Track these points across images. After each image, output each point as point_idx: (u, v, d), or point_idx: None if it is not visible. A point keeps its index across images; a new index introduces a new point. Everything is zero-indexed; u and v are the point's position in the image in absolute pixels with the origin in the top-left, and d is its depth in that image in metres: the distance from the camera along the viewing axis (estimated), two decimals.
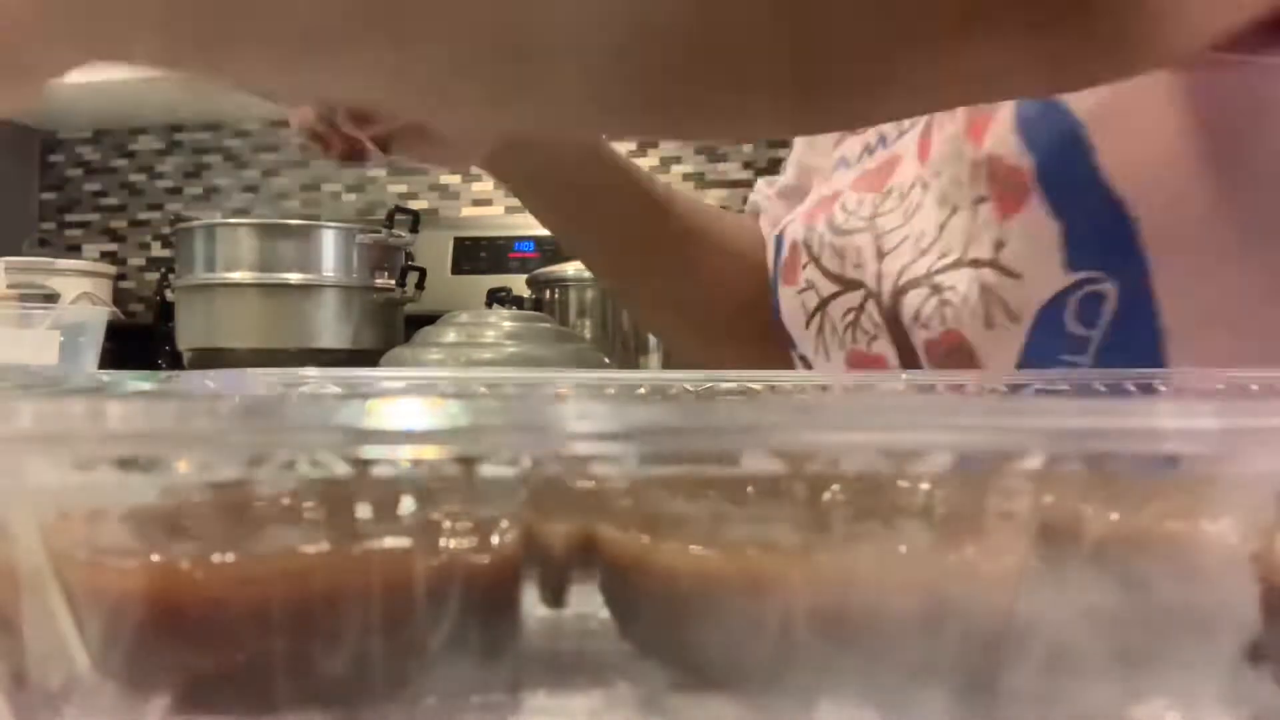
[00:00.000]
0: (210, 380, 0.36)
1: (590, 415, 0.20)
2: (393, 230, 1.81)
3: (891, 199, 0.54)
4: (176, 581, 0.21)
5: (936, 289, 0.49)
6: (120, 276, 2.32)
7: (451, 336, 1.47)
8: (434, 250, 2.04)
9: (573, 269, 1.79)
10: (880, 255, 0.53)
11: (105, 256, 2.38)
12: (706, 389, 0.40)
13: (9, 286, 1.74)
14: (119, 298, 2.28)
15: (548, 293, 1.79)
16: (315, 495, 0.23)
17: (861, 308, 0.54)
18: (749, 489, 0.26)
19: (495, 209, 2.22)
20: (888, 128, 0.58)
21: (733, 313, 0.70)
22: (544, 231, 2.29)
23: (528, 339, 1.48)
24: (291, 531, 0.22)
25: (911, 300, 0.50)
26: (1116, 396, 0.34)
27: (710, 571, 0.23)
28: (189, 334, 1.78)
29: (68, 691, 0.21)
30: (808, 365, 0.60)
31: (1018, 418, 0.21)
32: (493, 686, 0.24)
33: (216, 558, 0.21)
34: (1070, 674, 0.25)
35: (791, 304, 0.60)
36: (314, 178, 2.31)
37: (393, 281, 1.82)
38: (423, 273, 1.88)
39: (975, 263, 0.47)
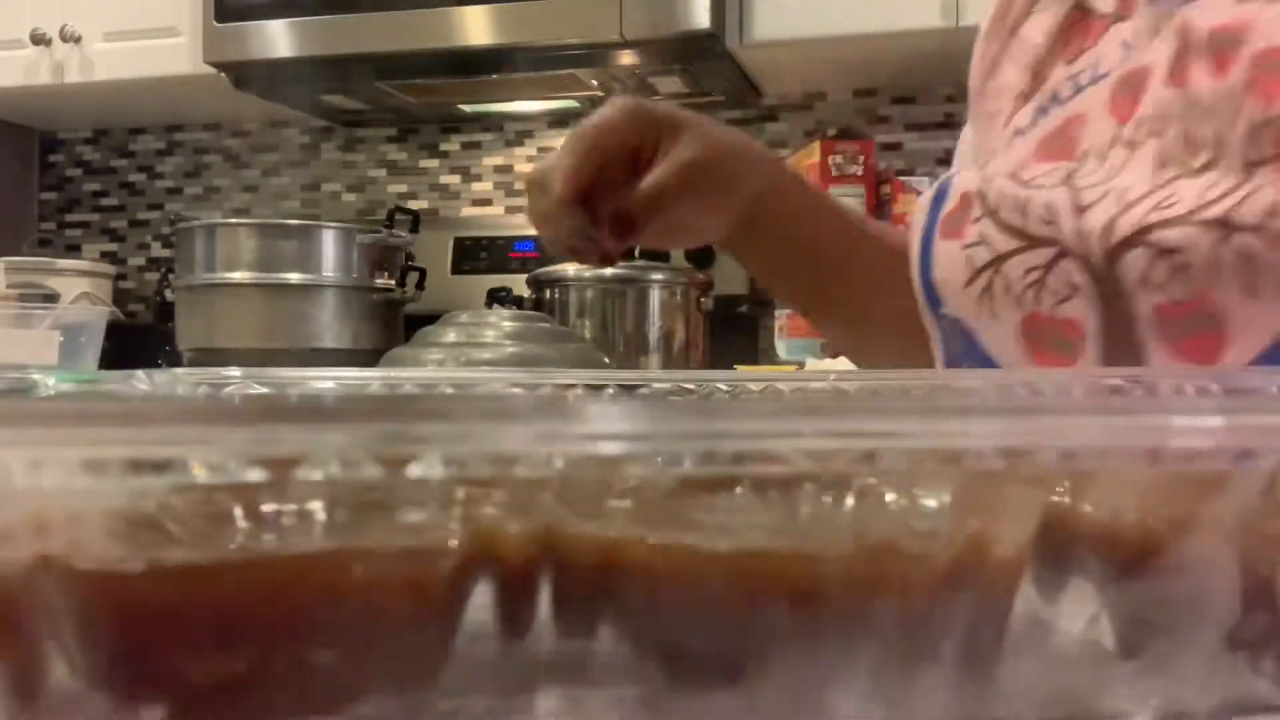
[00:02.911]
0: (139, 380, 0.36)
1: (599, 417, 0.20)
2: (393, 230, 1.81)
3: (1089, 163, 0.51)
4: (164, 589, 0.21)
5: (1162, 249, 0.46)
6: (120, 276, 2.32)
7: (451, 336, 1.47)
8: (434, 250, 2.05)
9: (573, 269, 1.80)
10: (1079, 210, 0.49)
11: (105, 256, 2.38)
12: (706, 389, 0.39)
13: (9, 286, 1.74)
14: (119, 298, 2.28)
15: (548, 293, 1.79)
16: (312, 498, 0.23)
17: (1050, 267, 0.50)
18: (749, 489, 0.26)
19: (495, 209, 2.22)
20: (1060, 84, 0.55)
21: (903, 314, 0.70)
22: None
23: (528, 339, 1.48)
24: (286, 536, 0.22)
25: (1134, 261, 0.46)
26: (1116, 396, 0.34)
27: (711, 571, 0.23)
28: (189, 334, 1.78)
29: (57, 702, 0.21)
30: (956, 328, 0.57)
31: (1018, 418, 0.21)
32: (495, 689, 0.24)
33: (207, 563, 0.21)
34: (1064, 665, 0.25)
35: (951, 260, 0.55)
36: (314, 178, 2.31)
37: (393, 281, 1.82)
38: (423, 273, 1.88)
39: (1229, 225, 0.44)
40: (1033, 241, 0.51)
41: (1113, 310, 0.48)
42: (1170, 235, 0.45)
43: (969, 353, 0.56)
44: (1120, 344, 0.48)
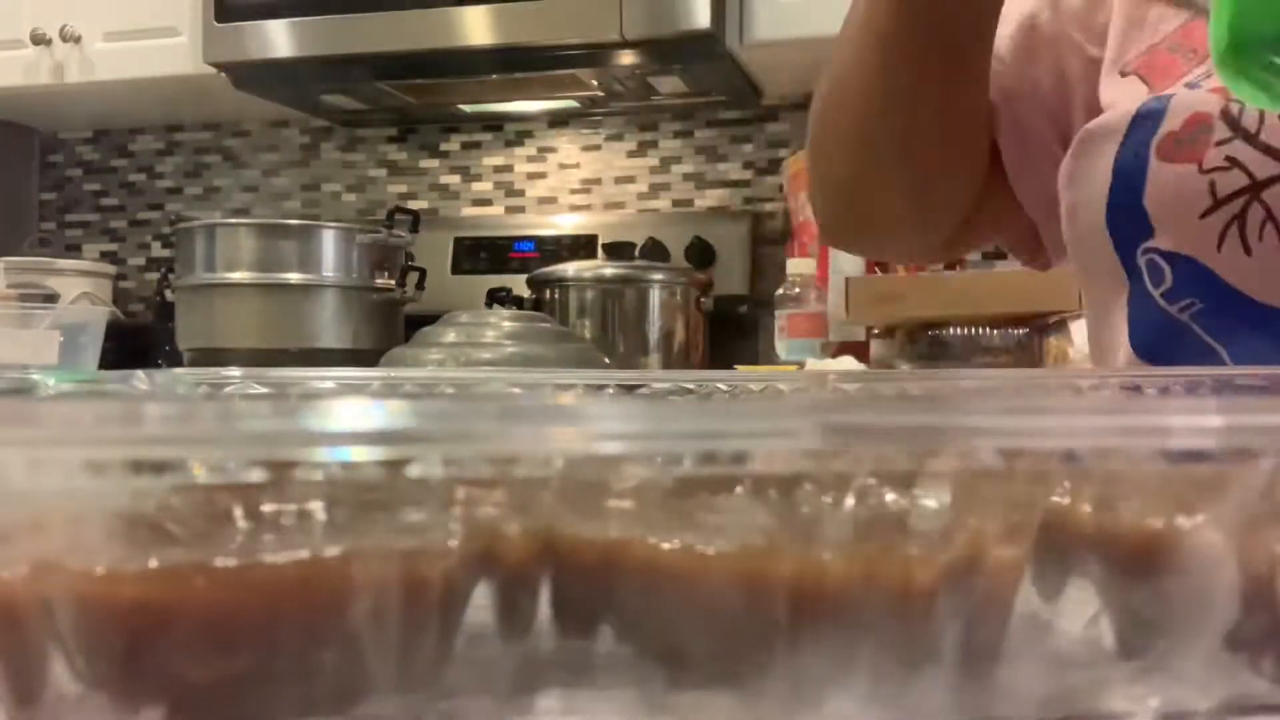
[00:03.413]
0: (139, 380, 0.36)
1: (599, 417, 0.20)
2: (393, 230, 1.81)
3: None
4: (164, 590, 0.21)
5: None
6: (120, 276, 2.32)
7: (451, 336, 1.47)
8: (434, 250, 2.05)
9: (573, 269, 1.80)
10: None
11: (105, 256, 2.38)
12: (706, 389, 0.39)
13: (9, 286, 1.74)
14: (119, 298, 2.28)
15: (548, 293, 1.79)
16: (312, 498, 0.23)
17: None
18: (749, 489, 0.26)
19: (495, 209, 2.22)
20: None
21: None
22: (544, 231, 2.28)
23: (528, 339, 1.48)
24: (286, 536, 0.22)
25: None
26: (1116, 396, 0.34)
27: (711, 571, 0.23)
28: (189, 334, 1.78)
29: (57, 702, 0.21)
30: (1169, 262, 0.51)
31: (1018, 418, 0.21)
32: (495, 689, 0.24)
33: (206, 565, 0.21)
34: (1064, 665, 0.25)
35: (1180, 185, 0.49)
36: (314, 178, 2.31)
37: (393, 281, 1.82)
38: (423, 273, 1.88)
39: None
40: None
41: None
42: None
43: (1187, 291, 0.51)
44: None
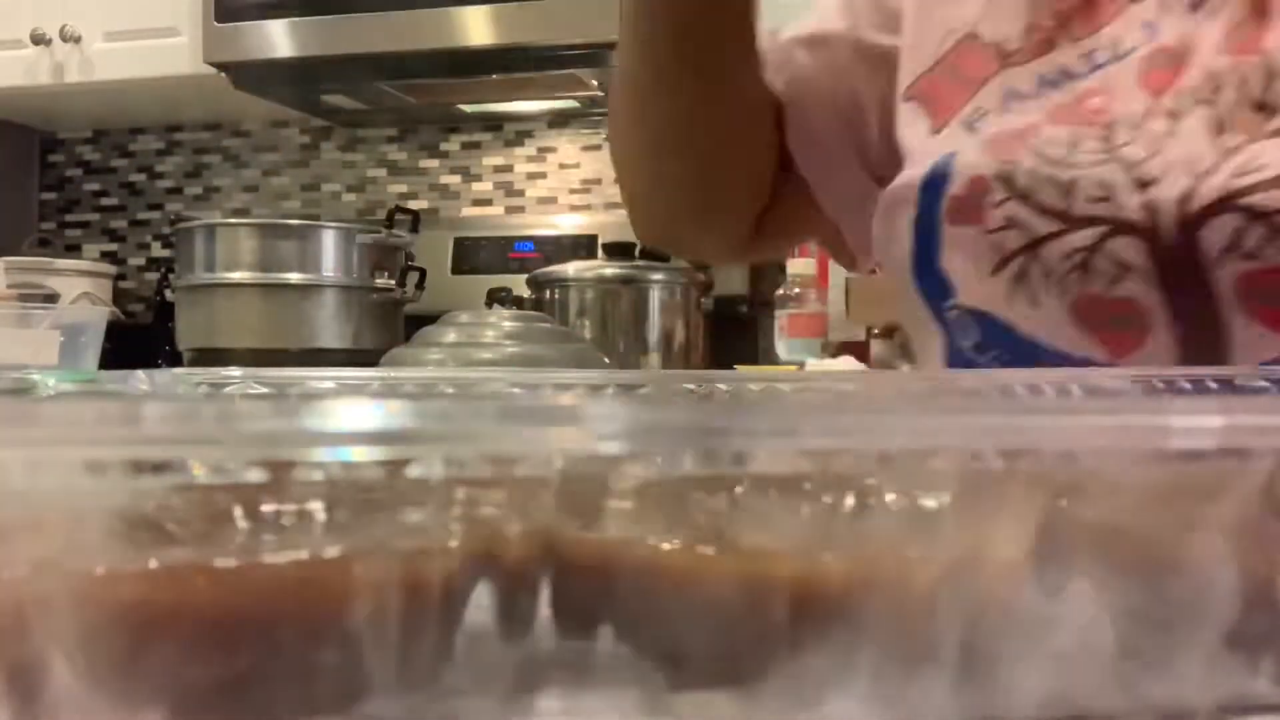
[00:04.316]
0: (139, 380, 0.36)
1: (599, 417, 0.20)
2: (393, 230, 1.81)
3: (1121, 132, 0.49)
4: (164, 590, 0.21)
5: (1255, 214, 0.44)
6: (120, 276, 2.32)
7: (451, 336, 1.47)
8: (434, 250, 2.05)
9: (573, 269, 1.80)
10: (1141, 186, 0.47)
11: (105, 256, 2.38)
12: (706, 389, 0.39)
13: (9, 286, 1.74)
14: (119, 298, 2.28)
15: (548, 293, 1.79)
16: (312, 498, 0.23)
17: (1096, 247, 0.49)
18: (749, 489, 0.26)
19: (495, 209, 2.22)
20: (1071, 60, 0.53)
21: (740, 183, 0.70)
22: (544, 231, 2.28)
23: (528, 339, 1.48)
24: (286, 536, 0.22)
25: (1218, 229, 0.45)
26: (1116, 396, 0.34)
27: (711, 572, 0.23)
28: (189, 334, 1.78)
29: (57, 702, 0.21)
30: (973, 319, 0.54)
31: (1018, 418, 0.21)
32: (495, 689, 0.24)
33: (206, 565, 0.21)
34: (1064, 665, 0.25)
35: (972, 247, 0.53)
36: (314, 178, 2.31)
37: (393, 281, 1.82)
38: (423, 273, 1.88)
39: None
40: (1076, 223, 0.49)
41: (1179, 284, 0.47)
42: (1265, 199, 0.44)
43: (992, 343, 0.54)
44: (1194, 317, 0.47)
